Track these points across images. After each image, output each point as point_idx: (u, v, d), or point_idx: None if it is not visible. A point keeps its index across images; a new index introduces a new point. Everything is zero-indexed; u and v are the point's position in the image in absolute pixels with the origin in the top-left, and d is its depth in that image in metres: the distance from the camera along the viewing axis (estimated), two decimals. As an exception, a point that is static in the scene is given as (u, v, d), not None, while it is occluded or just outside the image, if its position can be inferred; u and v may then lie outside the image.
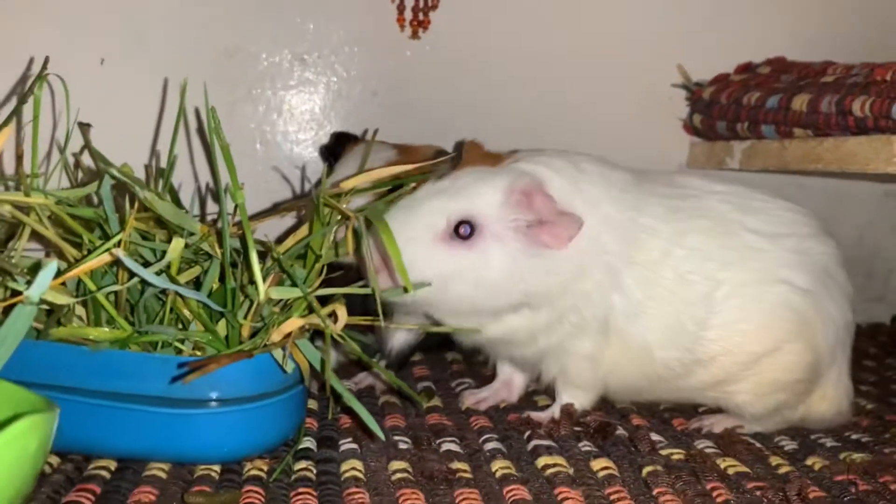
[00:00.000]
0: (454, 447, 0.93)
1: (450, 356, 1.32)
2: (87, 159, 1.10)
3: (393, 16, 1.42)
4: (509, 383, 1.09)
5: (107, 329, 0.75)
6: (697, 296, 0.96)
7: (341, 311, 0.75)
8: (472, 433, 0.98)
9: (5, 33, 1.31)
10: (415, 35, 1.43)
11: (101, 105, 1.35)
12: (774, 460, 0.95)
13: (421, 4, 1.42)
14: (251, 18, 1.38)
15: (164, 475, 0.81)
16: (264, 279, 0.74)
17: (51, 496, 0.75)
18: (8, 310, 0.66)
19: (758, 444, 0.99)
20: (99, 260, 0.67)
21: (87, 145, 1.16)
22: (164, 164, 1.19)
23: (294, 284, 0.75)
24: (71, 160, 0.98)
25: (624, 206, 0.96)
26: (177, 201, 1.19)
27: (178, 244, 0.70)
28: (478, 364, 1.27)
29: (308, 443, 0.92)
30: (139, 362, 0.77)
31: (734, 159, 1.40)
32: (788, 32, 1.55)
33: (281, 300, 0.79)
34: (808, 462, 0.95)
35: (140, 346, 0.78)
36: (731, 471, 0.90)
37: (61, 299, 0.61)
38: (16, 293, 0.74)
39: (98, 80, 1.35)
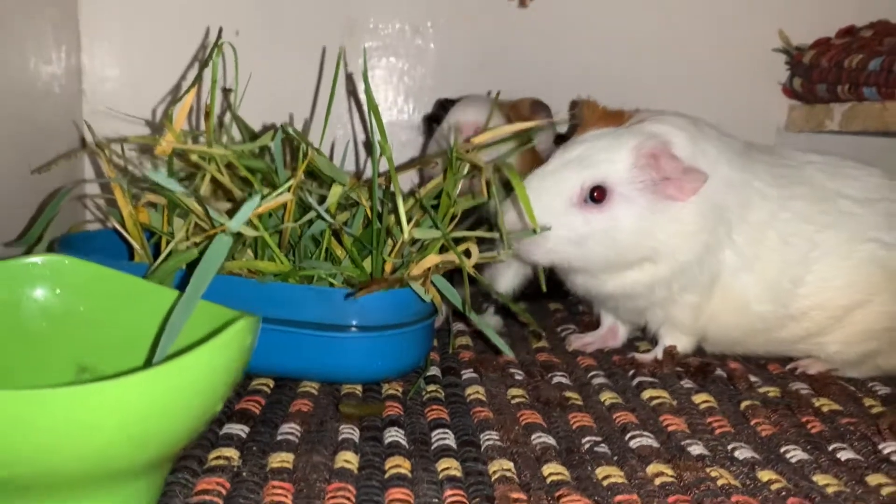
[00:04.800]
0: (564, 380, 1.03)
1: (552, 305, 1.41)
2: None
3: (502, -14, 1.50)
4: (614, 330, 1.18)
5: (272, 263, 0.87)
6: (796, 256, 1.03)
7: (474, 249, 0.85)
8: (580, 370, 1.08)
9: (152, 11, 1.46)
10: (523, 4, 1.51)
11: (239, 73, 1.50)
12: (867, 401, 1.01)
13: (529, -25, 1.49)
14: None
15: (315, 392, 0.94)
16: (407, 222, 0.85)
17: (225, 404, 0.88)
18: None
19: (851, 388, 1.05)
20: (277, 200, 0.79)
21: (229, 108, 1.29)
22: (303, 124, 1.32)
23: (434, 226, 0.85)
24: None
25: (739, 168, 1.04)
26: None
27: (337, 189, 0.82)
28: (580, 313, 1.36)
29: (434, 370, 1.03)
30: (299, 293, 0.90)
31: (834, 121, 1.44)
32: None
33: (418, 241, 0.90)
34: (901, 405, 1.01)
35: (298, 279, 0.90)
36: (825, 408, 0.97)
37: (249, 232, 0.73)
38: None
39: (233, 51, 1.48)
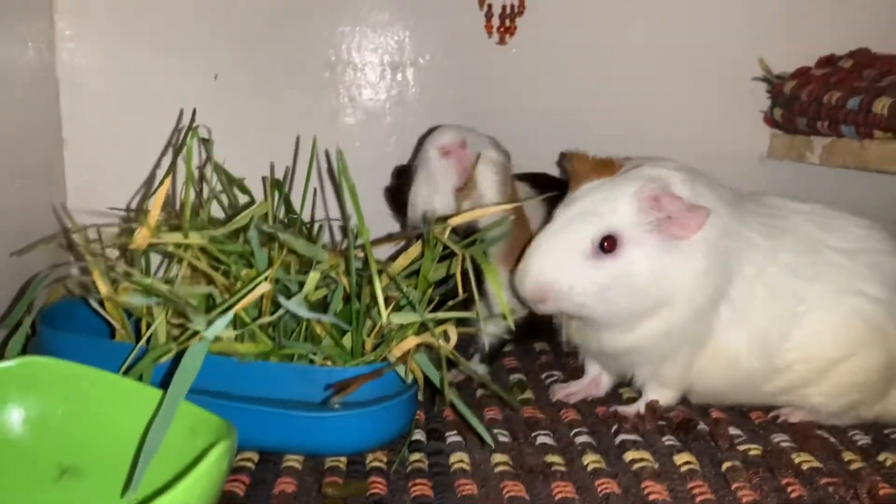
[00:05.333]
0: (548, 440, 1.03)
1: (537, 346, 1.42)
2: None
3: (481, 23, 1.49)
4: (597, 380, 1.18)
5: (252, 345, 0.87)
6: (784, 310, 1.04)
7: (453, 332, 0.86)
8: (564, 426, 1.08)
9: (130, 56, 1.45)
10: (502, 41, 1.50)
11: (218, 118, 1.49)
12: (847, 456, 1.02)
13: (508, 11, 1.49)
14: (350, 32, 1.48)
15: (299, 466, 0.94)
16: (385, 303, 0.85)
17: (210, 484, 0.89)
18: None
19: (832, 439, 1.06)
20: (254, 294, 0.79)
21: (209, 159, 1.29)
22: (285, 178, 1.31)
23: (412, 308, 0.86)
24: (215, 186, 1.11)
25: (734, 217, 1.04)
26: (290, 207, 1.31)
27: (314, 276, 0.82)
28: (564, 354, 1.36)
29: (419, 435, 1.04)
30: (280, 371, 0.90)
31: (814, 154, 1.44)
32: (874, 22, 1.55)
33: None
34: (880, 458, 1.02)
35: (279, 357, 0.91)
36: (805, 466, 0.98)
37: (227, 334, 0.73)
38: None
39: (213, 95, 1.48)
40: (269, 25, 1.47)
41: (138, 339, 0.98)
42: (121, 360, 0.91)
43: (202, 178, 1.25)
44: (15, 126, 1.26)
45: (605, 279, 0.98)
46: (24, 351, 1.03)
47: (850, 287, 1.05)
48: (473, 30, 1.50)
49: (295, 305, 0.78)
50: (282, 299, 0.77)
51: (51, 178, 1.42)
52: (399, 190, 1.24)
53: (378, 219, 1.49)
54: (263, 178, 1.32)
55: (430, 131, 1.29)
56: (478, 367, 1.26)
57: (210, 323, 0.68)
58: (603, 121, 1.56)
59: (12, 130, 1.25)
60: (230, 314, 0.66)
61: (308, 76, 1.49)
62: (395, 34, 1.50)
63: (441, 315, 0.87)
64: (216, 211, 1.28)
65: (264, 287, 0.80)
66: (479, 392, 1.20)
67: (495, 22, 1.49)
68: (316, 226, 1.40)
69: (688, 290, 1.00)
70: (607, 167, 1.05)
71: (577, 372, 1.26)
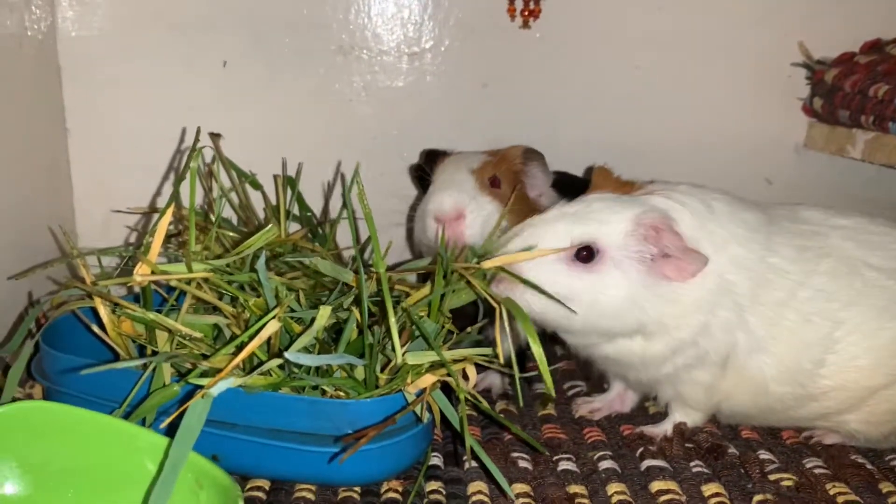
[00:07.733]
0: (571, 466, 0.99)
1: (560, 350, 1.37)
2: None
3: (503, 5, 1.41)
4: (623, 396, 1.14)
5: (261, 378, 0.83)
6: (818, 336, 0.97)
7: (471, 371, 0.81)
8: (587, 448, 1.04)
9: (136, 40, 1.39)
10: (525, 24, 1.42)
11: (226, 106, 1.43)
12: (885, 486, 0.97)
13: (532, -7, 1.40)
14: (365, 15, 1.41)
15: (312, 496, 0.91)
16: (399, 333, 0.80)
17: (219, 519, 0.86)
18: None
19: (868, 465, 1.01)
20: (260, 339, 0.74)
21: (217, 154, 1.23)
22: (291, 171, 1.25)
23: (428, 345, 0.81)
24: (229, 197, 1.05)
25: (754, 246, 0.97)
26: (303, 204, 1.26)
27: (325, 311, 0.77)
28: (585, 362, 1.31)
29: (436, 459, 1.00)
30: (291, 404, 0.86)
31: (856, 149, 1.36)
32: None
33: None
34: (921, 489, 0.97)
35: (289, 388, 0.86)
36: (840, 499, 0.94)
37: (237, 383, 0.69)
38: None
39: (221, 82, 1.42)
40: (280, 8, 1.39)
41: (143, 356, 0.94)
42: (125, 383, 0.87)
43: (211, 174, 1.19)
44: (15, 115, 1.21)
45: (565, 288, 0.91)
46: (28, 369, 1.00)
47: (890, 311, 0.99)
48: (495, 13, 1.41)
49: (302, 356, 0.73)
50: (287, 354, 0.72)
51: (55, 172, 1.37)
52: (424, 171, 1.18)
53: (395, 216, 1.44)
54: (275, 176, 1.27)
55: (444, 155, 1.20)
56: (495, 378, 1.21)
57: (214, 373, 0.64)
58: (632, 109, 1.48)
59: (11, 119, 1.19)
60: (232, 381, 0.61)
61: (320, 62, 1.42)
62: (413, 18, 1.42)
63: (458, 353, 0.82)
64: (227, 212, 1.23)
65: (273, 327, 0.75)
66: (499, 406, 1.16)
67: (518, 4, 1.41)
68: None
69: (665, 327, 0.95)
70: (626, 187, 0.99)
71: (601, 381, 1.21)
